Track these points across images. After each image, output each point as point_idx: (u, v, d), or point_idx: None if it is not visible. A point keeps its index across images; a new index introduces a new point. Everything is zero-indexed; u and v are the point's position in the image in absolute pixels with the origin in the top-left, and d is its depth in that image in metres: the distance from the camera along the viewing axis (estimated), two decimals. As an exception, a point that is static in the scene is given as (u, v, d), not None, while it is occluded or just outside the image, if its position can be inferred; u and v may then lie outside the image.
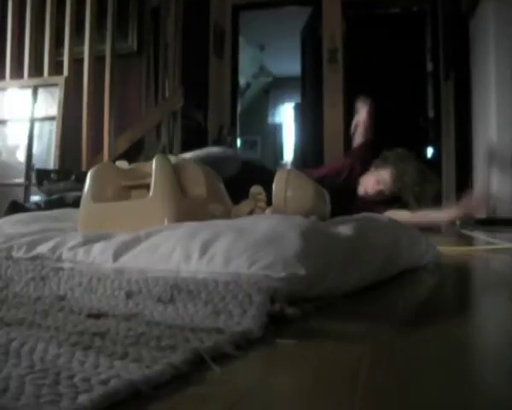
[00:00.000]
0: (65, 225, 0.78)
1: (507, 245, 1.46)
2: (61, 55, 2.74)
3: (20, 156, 3.18)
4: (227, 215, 0.79)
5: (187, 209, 0.72)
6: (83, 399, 0.26)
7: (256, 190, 0.84)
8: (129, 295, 0.48)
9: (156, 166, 0.73)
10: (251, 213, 0.81)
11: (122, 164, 0.82)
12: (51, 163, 2.70)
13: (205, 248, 0.54)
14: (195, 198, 0.76)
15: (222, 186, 0.84)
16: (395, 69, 5.19)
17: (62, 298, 0.50)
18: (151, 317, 0.44)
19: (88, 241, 0.62)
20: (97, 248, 0.61)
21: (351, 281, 0.60)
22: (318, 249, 0.54)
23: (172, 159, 0.77)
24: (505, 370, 0.35)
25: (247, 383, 0.32)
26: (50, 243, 0.64)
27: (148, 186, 0.74)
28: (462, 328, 0.49)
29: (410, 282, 0.78)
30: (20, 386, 0.27)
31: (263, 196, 0.83)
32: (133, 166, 0.82)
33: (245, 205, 0.82)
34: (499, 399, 0.30)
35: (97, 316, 0.45)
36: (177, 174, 0.74)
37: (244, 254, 0.51)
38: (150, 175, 0.74)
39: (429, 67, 5.34)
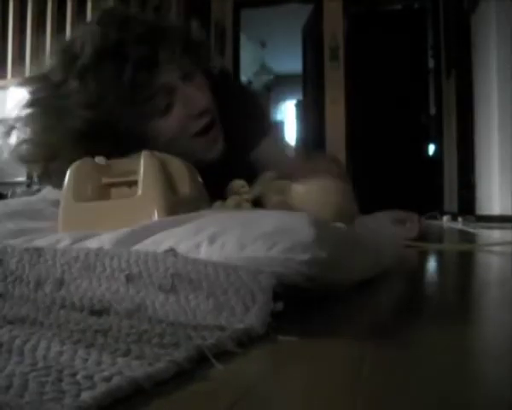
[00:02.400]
0: (43, 225, 0.75)
1: (508, 241, 1.46)
2: (63, 53, 2.74)
3: (22, 155, 3.18)
4: None
5: (176, 206, 0.70)
6: (86, 396, 0.26)
7: (238, 183, 0.82)
8: (129, 279, 0.47)
9: (144, 162, 0.70)
10: (237, 207, 0.79)
11: (100, 160, 0.78)
12: (53, 161, 2.70)
13: (213, 239, 0.52)
14: (181, 194, 0.74)
15: (202, 182, 0.81)
16: (396, 66, 5.19)
17: (61, 282, 0.49)
18: (153, 309, 0.44)
19: (77, 240, 0.60)
20: (91, 244, 0.58)
21: (357, 272, 0.60)
22: (331, 238, 0.53)
23: (157, 154, 0.74)
24: (509, 371, 0.35)
25: (250, 380, 0.32)
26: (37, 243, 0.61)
27: (129, 184, 0.71)
28: (464, 326, 0.49)
29: (412, 279, 0.78)
30: (23, 383, 0.27)
31: (246, 189, 0.81)
32: (110, 162, 0.78)
33: (230, 201, 0.80)
34: (502, 398, 0.30)
35: (99, 312, 0.45)
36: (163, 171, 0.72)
37: (259, 241, 0.49)
38: (131, 172, 0.71)
39: (431, 63, 5.33)
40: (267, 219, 0.56)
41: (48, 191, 0.96)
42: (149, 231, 0.60)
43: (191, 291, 0.44)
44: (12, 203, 0.89)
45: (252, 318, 0.41)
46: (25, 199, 0.95)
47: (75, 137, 0.85)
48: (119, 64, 0.83)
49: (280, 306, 0.43)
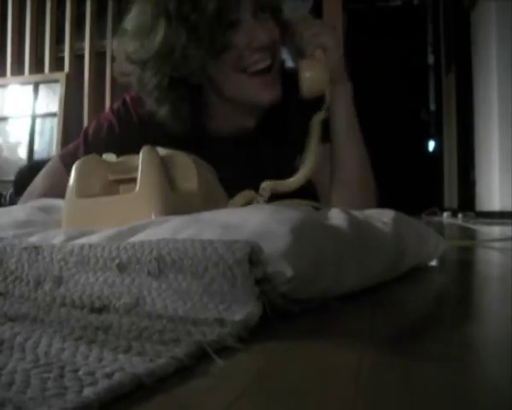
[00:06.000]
0: (50, 219, 0.76)
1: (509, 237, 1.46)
2: (62, 51, 2.74)
3: (22, 153, 3.19)
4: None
5: (176, 204, 0.69)
6: (88, 392, 0.26)
7: (265, 185, 0.80)
8: (121, 268, 0.47)
9: (143, 158, 0.70)
10: (248, 204, 0.77)
11: (109, 157, 0.78)
12: (53, 159, 2.70)
13: None
14: (185, 192, 0.73)
15: (215, 179, 0.80)
16: (396, 62, 5.18)
17: (60, 279, 0.49)
18: (151, 301, 0.44)
19: (70, 238, 0.60)
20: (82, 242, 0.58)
21: (349, 282, 0.56)
22: (310, 247, 0.50)
23: (161, 151, 0.73)
24: (510, 367, 0.35)
25: (250, 376, 0.33)
26: (33, 239, 0.61)
27: (136, 180, 0.70)
28: (465, 321, 0.49)
29: (416, 282, 0.77)
30: (25, 380, 0.28)
31: (268, 189, 0.79)
32: (121, 159, 0.77)
33: (240, 197, 0.79)
34: (504, 395, 0.30)
35: (99, 310, 0.45)
36: (165, 167, 0.71)
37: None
38: (137, 169, 0.70)
39: (430, 60, 5.32)
40: (251, 221, 0.54)
41: None
42: (135, 230, 0.59)
43: (178, 273, 0.44)
44: (37, 201, 0.90)
45: (239, 292, 0.41)
46: (51, 199, 0.96)
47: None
48: None
49: (260, 272, 0.42)
